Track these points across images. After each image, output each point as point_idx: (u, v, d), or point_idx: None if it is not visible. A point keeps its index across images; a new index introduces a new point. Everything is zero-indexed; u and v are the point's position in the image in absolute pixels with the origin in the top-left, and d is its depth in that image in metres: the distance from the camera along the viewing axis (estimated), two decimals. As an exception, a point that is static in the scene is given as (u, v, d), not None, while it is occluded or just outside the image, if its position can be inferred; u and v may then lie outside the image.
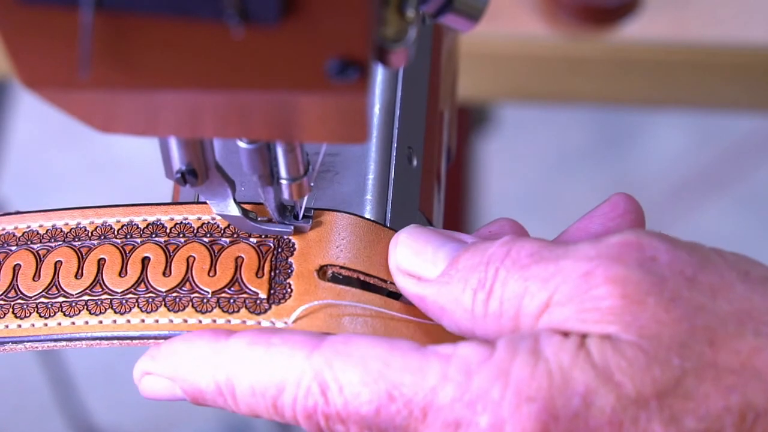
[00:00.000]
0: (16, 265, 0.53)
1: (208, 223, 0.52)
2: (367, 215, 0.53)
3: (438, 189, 0.61)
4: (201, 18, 0.38)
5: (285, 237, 0.52)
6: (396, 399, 0.44)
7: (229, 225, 0.52)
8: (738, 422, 0.43)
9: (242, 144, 0.47)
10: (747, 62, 0.99)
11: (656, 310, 0.44)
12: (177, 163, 0.48)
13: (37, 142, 1.96)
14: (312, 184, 0.50)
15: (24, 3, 0.38)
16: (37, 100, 0.42)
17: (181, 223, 0.53)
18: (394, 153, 0.56)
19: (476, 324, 0.47)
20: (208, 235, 0.52)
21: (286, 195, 0.50)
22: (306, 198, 0.51)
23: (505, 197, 1.91)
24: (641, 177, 1.96)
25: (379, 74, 0.57)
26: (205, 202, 0.53)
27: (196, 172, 0.48)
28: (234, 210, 0.51)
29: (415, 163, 0.57)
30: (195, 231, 0.52)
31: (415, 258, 0.49)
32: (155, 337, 0.50)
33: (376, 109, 0.56)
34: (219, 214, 0.52)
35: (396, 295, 0.51)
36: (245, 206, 0.52)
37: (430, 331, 0.50)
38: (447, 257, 0.49)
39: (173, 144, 0.47)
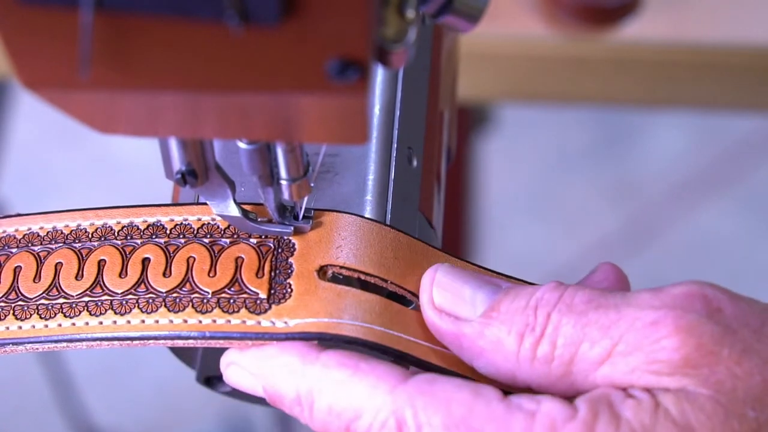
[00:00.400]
0: (16, 267, 0.53)
1: (208, 224, 0.52)
2: (367, 216, 0.53)
3: (438, 189, 0.61)
4: (201, 18, 0.38)
5: (285, 237, 0.52)
6: None
7: (229, 226, 0.52)
8: None
9: (242, 144, 0.47)
10: (747, 62, 0.99)
11: (729, 362, 0.44)
12: (177, 164, 0.48)
13: (37, 142, 1.96)
14: (312, 184, 0.50)
15: (24, 3, 0.38)
16: (37, 100, 0.42)
17: (182, 224, 0.53)
18: (394, 153, 0.56)
19: (520, 368, 0.47)
20: (209, 236, 0.52)
21: (286, 195, 0.50)
22: (306, 198, 0.51)
23: (505, 197, 1.91)
24: (641, 177, 1.96)
25: (379, 74, 0.57)
26: (205, 203, 0.53)
27: (196, 173, 0.48)
28: (234, 211, 0.51)
29: (415, 163, 0.57)
30: (195, 232, 0.52)
31: (452, 297, 0.49)
32: (155, 338, 0.50)
33: (376, 109, 0.56)
34: (219, 215, 0.52)
35: (395, 297, 0.51)
36: (245, 207, 0.52)
37: (429, 337, 0.50)
38: (486, 299, 0.49)
39: (173, 144, 0.47)
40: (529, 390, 0.48)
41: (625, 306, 0.46)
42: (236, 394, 0.55)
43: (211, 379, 0.57)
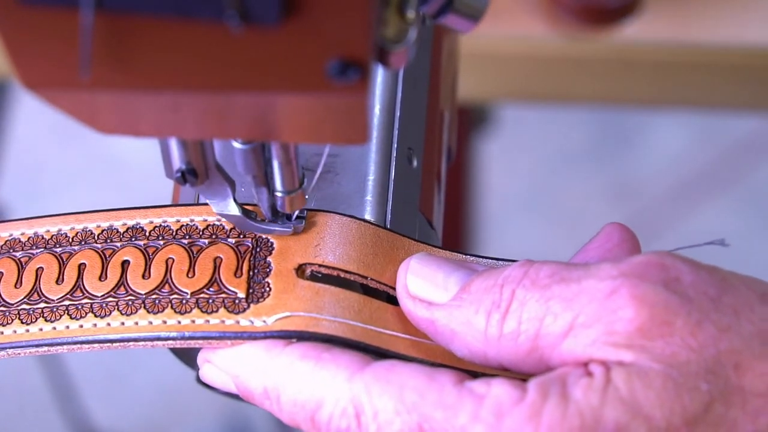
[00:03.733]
0: None
1: (187, 225, 0.53)
2: (367, 216, 0.53)
3: (438, 189, 0.61)
4: (201, 19, 0.38)
5: (264, 237, 0.52)
6: None
7: (207, 226, 0.52)
8: None
9: (237, 144, 0.47)
10: (747, 63, 0.99)
11: (684, 333, 0.44)
12: (177, 163, 0.48)
13: (37, 142, 1.96)
14: (307, 197, 0.50)
15: (24, 3, 0.38)
16: (37, 100, 0.42)
17: (161, 226, 0.53)
18: (394, 153, 0.56)
19: (489, 346, 0.47)
20: (187, 237, 0.52)
21: (279, 207, 0.50)
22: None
23: (506, 197, 1.91)
24: (641, 177, 1.95)
25: (379, 75, 0.57)
26: (185, 204, 0.53)
27: (196, 172, 0.48)
28: (234, 210, 0.51)
29: (415, 163, 0.57)
30: (174, 233, 0.52)
31: (425, 283, 0.49)
32: (135, 340, 0.50)
33: (377, 109, 0.56)
34: (219, 214, 0.52)
35: (375, 293, 0.51)
36: (245, 206, 0.52)
37: (410, 331, 0.50)
38: (458, 282, 0.49)
39: (173, 143, 0.47)
40: (502, 369, 0.48)
41: (586, 278, 0.46)
42: (236, 394, 0.55)
43: (212, 379, 0.56)
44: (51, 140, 1.96)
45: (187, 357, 0.56)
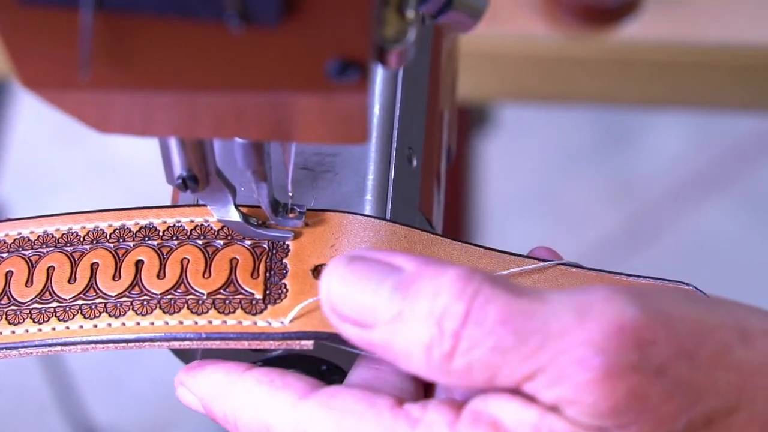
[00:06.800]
0: (8, 272, 0.53)
1: (201, 225, 0.52)
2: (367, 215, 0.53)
3: (438, 189, 0.61)
4: (201, 18, 0.38)
5: None
6: None
7: (222, 227, 0.52)
8: None
9: (237, 138, 0.47)
10: (747, 63, 0.99)
11: (659, 401, 0.42)
12: (178, 169, 0.48)
13: (37, 142, 1.96)
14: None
15: (24, 3, 0.38)
16: (37, 100, 0.42)
17: (174, 225, 0.53)
18: (393, 153, 0.56)
19: (436, 377, 0.44)
20: (202, 238, 0.52)
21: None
22: (291, 195, 0.51)
23: (505, 197, 1.91)
24: (641, 177, 1.96)
25: (379, 74, 0.57)
26: (197, 205, 0.53)
27: (197, 178, 0.48)
28: (234, 215, 0.51)
29: (414, 163, 0.57)
30: (188, 233, 0.52)
31: (353, 303, 0.45)
32: (151, 340, 0.50)
33: (376, 109, 0.56)
34: (220, 220, 0.52)
35: None
36: (245, 209, 0.52)
37: None
38: (389, 299, 0.44)
39: (174, 149, 0.47)
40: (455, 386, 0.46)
41: (547, 332, 0.42)
42: None
43: (211, 379, 0.56)
44: (51, 140, 1.96)
45: (188, 357, 0.56)
